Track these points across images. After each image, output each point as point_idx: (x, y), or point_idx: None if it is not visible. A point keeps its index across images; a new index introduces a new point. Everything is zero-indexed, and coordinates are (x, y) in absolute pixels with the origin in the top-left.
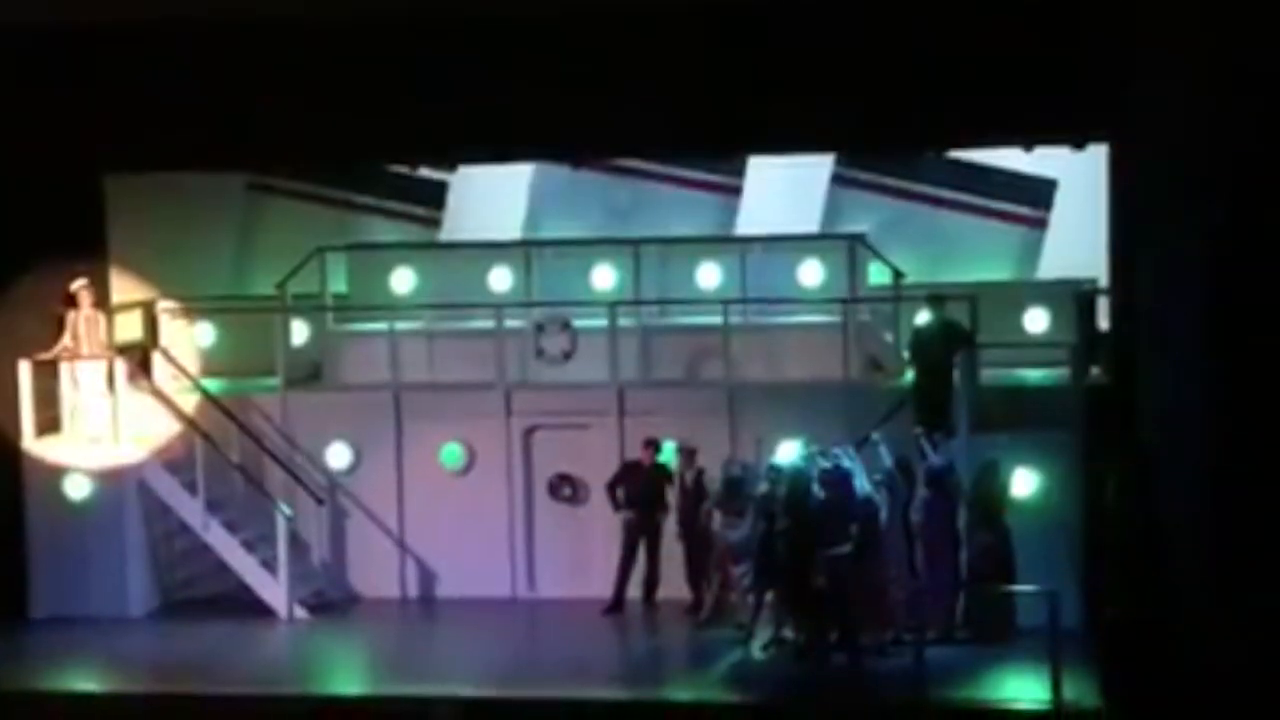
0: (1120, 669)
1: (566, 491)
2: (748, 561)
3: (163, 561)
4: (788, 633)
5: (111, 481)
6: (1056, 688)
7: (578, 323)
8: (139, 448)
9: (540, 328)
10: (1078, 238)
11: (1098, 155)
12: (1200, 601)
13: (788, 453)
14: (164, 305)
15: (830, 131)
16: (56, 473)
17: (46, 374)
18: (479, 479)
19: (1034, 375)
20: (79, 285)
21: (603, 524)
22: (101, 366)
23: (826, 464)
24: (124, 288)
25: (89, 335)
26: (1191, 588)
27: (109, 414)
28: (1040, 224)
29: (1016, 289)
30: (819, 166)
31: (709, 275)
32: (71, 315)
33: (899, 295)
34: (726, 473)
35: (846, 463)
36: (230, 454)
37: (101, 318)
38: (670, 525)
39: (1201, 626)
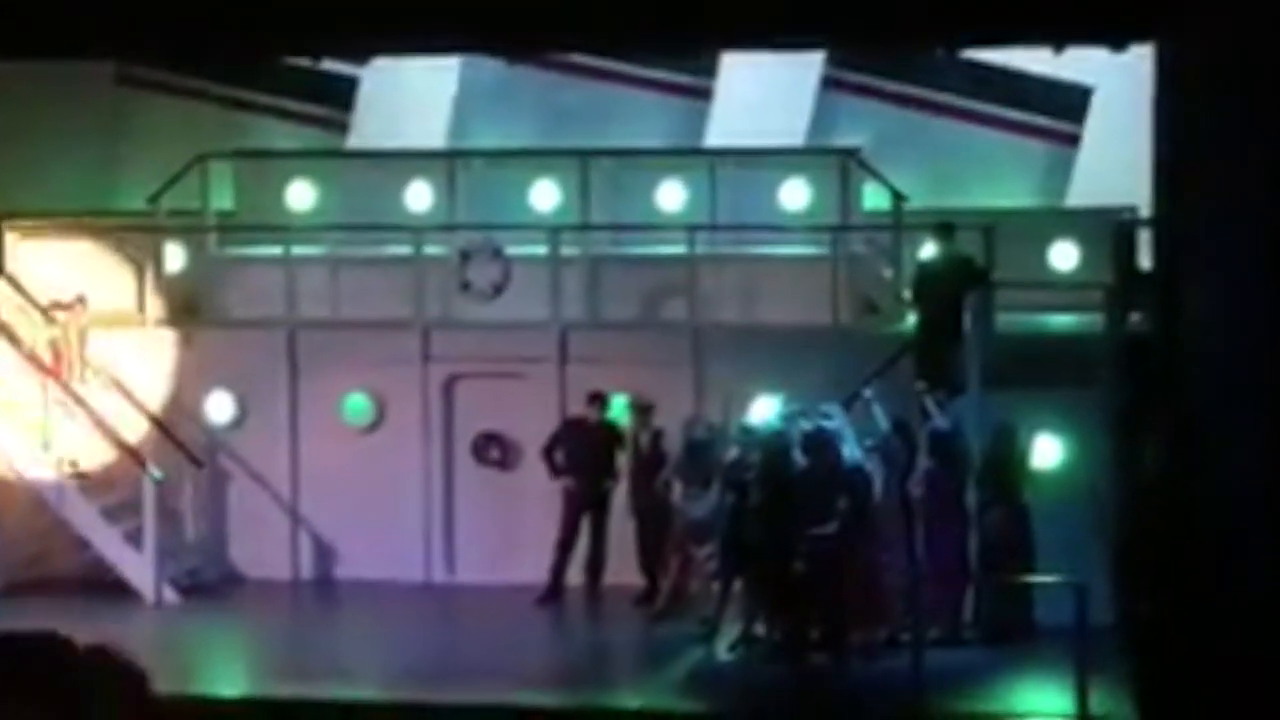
0: (1157, 675)
1: (495, 454)
2: (713, 542)
3: (4, 533)
4: (760, 629)
5: None
6: (1082, 697)
7: (511, 250)
8: None
9: (466, 256)
10: (1115, 157)
11: (1141, 58)
12: (1253, 596)
13: (763, 412)
14: (11, 223)
15: (821, 23)
16: None
17: None
18: (389, 437)
19: (1060, 321)
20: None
21: (538, 494)
22: None
23: (809, 426)
24: None
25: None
26: (1243, 579)
27: None
28: (1071, 140)
29: (1041, 218)
30: (806, 66)
31: (672, 195)
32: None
33: (900, 223)
34: (689, 434)
35: (833, 424)
36: (89, 404)
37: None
38: (620, 497)
39: (1254, 626)
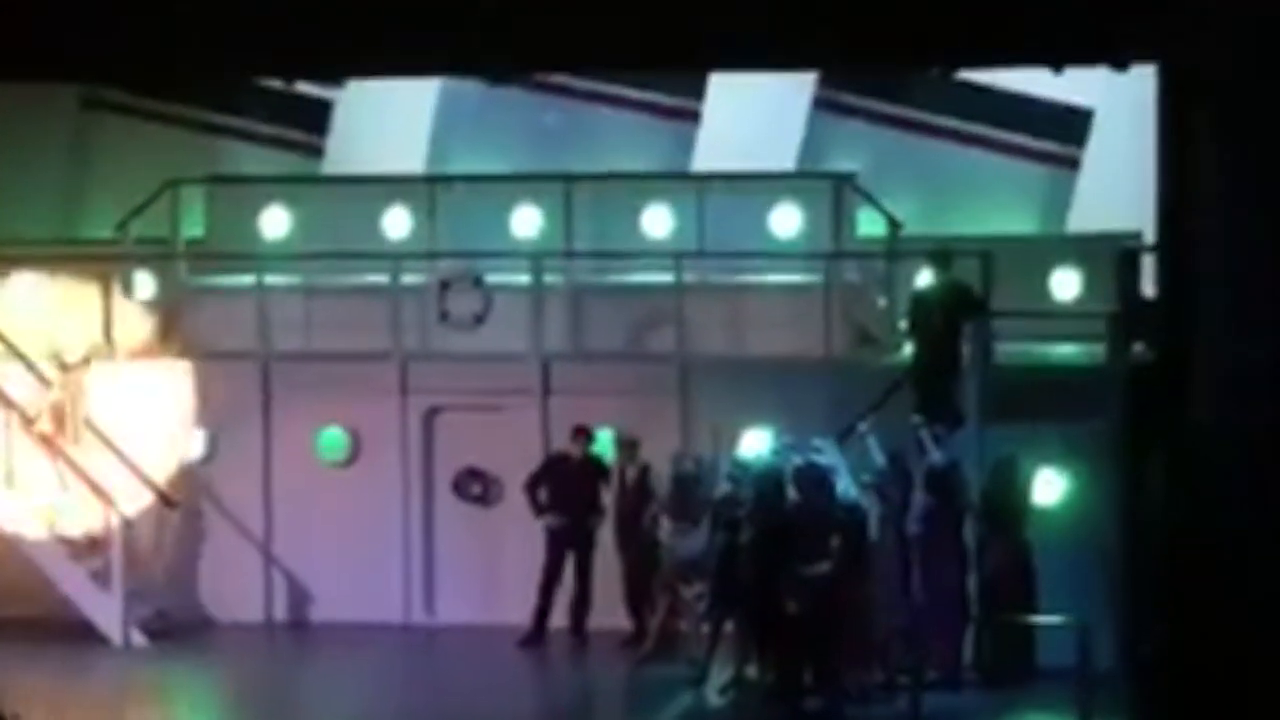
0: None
1: (476, 490)
2: (703, 581)
3: None
4: (752, 671)
5: None
6: None
7: (492, 278)
8: None
9: (445, 284)
10: (1117, 181)
11: (1143, 79)
12: (1258, 634)
13: (754, 446)
14: None
15: (813, 43)
16: None
17: None
18: (366, 473)
19: (1062, 351)
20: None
21: (521, 531)
22: None
23: (802, 460)
24: None
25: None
26: (1248, 616)
27: None
28: (1071, 163)
29: (1041, 244)
30: (798, 87)
31: (658, 221)
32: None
33: (895, 250)
34: (677, 469)
35: (827, 459)
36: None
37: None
38: (606, 534)
39: (1260, 664)
